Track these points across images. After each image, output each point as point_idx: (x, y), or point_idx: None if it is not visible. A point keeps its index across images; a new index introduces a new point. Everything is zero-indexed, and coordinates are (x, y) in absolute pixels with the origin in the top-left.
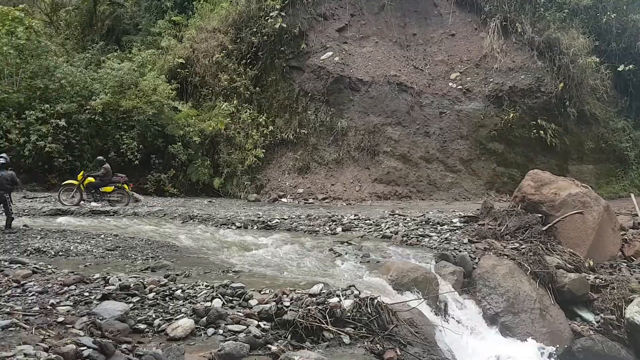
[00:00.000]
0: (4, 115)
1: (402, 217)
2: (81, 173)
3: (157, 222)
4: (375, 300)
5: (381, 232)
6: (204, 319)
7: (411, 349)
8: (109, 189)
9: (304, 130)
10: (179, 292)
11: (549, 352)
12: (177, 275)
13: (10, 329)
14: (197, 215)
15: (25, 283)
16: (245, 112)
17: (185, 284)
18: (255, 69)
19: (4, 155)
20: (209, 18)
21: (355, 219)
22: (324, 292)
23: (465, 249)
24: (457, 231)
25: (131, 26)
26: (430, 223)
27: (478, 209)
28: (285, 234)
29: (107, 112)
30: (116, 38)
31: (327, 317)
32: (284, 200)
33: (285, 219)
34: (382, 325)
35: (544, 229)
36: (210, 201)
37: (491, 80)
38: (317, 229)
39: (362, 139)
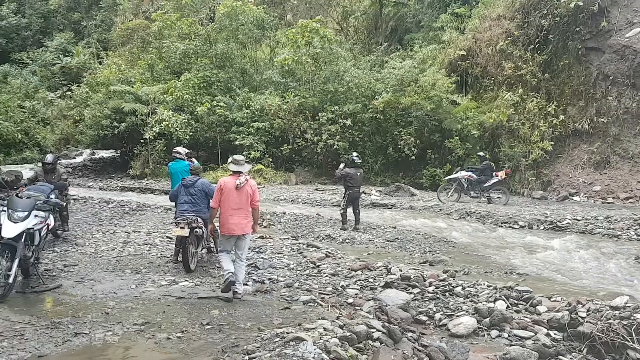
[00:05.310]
0: (302, 117)
1: None
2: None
3: (432, 217)
4: None
5: None
6: (487, 319)
7: None
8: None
9: (602, 119)
10: (458, 289)
11: None
12: (455, 271)
13: (310, 304)
14: (474, 212)
15: (320, 265)
16: (532, 101)
17: (465, 282)
18: (544, 54)
19: (356, 154)
20: (494, 5)
21: None
22: (629, 306)
23: None
24: None
25: (413, 24)
26: None
27: None
28: (578, 237)
29: (387, 109)
30: (399, 38)
31: (634, 335)
32: (576, 198)
33: (579, 220)
34: None
35: None
36: None
37: None
38: (619, 232)
39: None
